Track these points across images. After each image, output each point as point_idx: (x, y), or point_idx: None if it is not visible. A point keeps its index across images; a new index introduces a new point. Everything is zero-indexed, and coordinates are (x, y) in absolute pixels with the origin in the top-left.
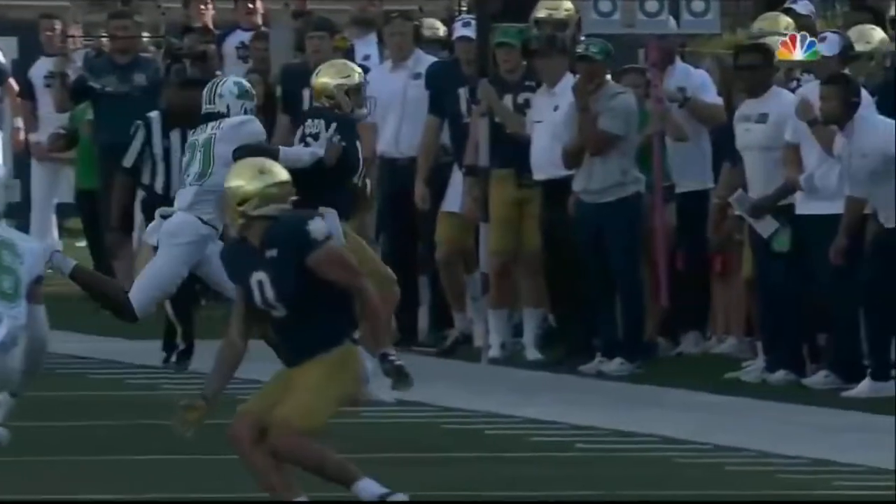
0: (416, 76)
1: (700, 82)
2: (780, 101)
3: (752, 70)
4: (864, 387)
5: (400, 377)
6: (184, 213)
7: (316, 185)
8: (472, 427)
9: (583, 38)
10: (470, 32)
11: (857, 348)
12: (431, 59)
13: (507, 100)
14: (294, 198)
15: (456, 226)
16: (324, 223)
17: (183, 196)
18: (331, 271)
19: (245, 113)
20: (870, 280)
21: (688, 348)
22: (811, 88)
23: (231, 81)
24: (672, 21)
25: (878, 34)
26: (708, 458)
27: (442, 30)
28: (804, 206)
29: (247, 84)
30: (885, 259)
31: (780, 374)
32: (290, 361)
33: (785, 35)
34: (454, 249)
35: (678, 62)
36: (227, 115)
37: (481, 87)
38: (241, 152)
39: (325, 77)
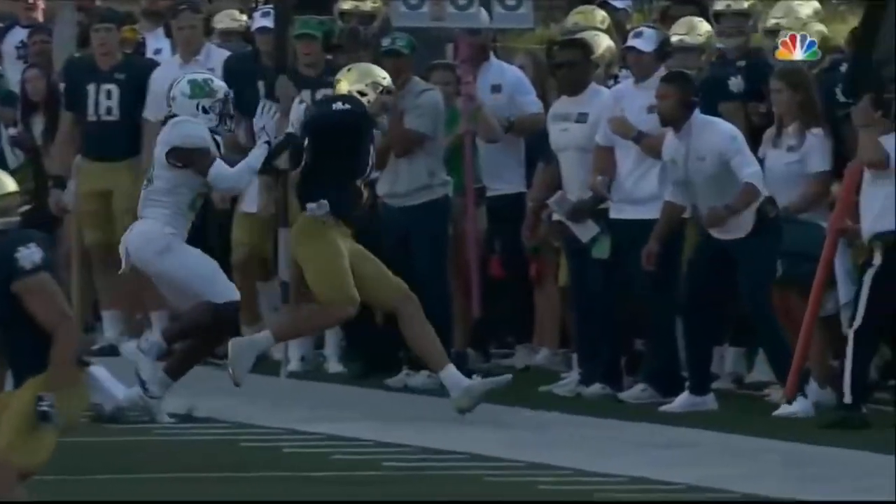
0: (209, 71)
1: (515, 81)
2: (599, 99)
3: (569, 67)
4: (682, 401)
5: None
6: (143, 223)
7: (317, 182)
8: (271, 444)
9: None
10: (269, 23)
11: (674, 360)
12: (224, 52)
13: (306, 96)
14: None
15: (253, 228)
16: (38, 251)
17: (140, 204)
18: (31, 303)
19: (203, 112)
20: (690, 290)
21: (520, 361)
22: (625, 90)
23: (185, 81)
24: (484, 14)
25: (706, 27)
26: (520, 476)
27: (242, 21)
28: (619, 211)
29: (202, 78)
30: (707, 268)
31: (595, 388)
32: (15, 382)
33: (602, 29)
34: (250, 253)
35: (492, 59)
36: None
37: (279, 83)
38: (170, 155)
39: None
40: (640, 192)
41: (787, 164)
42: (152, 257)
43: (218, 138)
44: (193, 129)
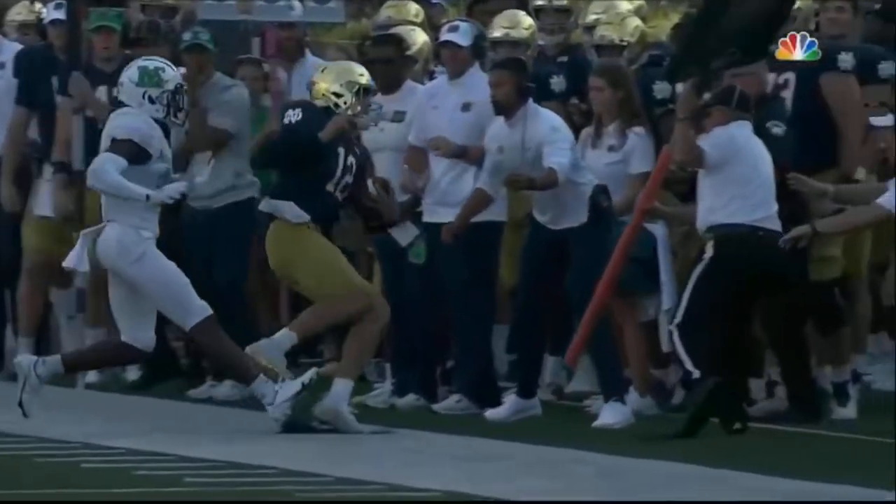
0: (1, 66)
1: None
2: (416, 97)
3: (384, 64)
4: (509, 406)
5: None
6: (113, 228)
7: (290, 187)
8: (68, 459)
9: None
10: (62, 15)
11: (488, 369)
12: (17, 46)
13: (102, 92)
14: None
15: (46, 232)
16: None
17: (103, 208)
18: None
19: (150, 101)
20: (525, 282)
21: (330, 371)
22: (439, 87)
23: (135, 66)
24: (298, 7)
25: (529, 20)
26: (331, 491)
27: (39, 13)
28: (433, 213)
29: (153, 66)
30: (542, 259)
31: (409, 399)
32: None
33: (416, 23)
34: (43, 259)
35: (308, 55)
36: (126, 106)
37: (73, 79)
38: (114, 146)
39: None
40: (456, 195)
41: (609, 164)
42: (127, 266)
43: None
44: (128, 120)
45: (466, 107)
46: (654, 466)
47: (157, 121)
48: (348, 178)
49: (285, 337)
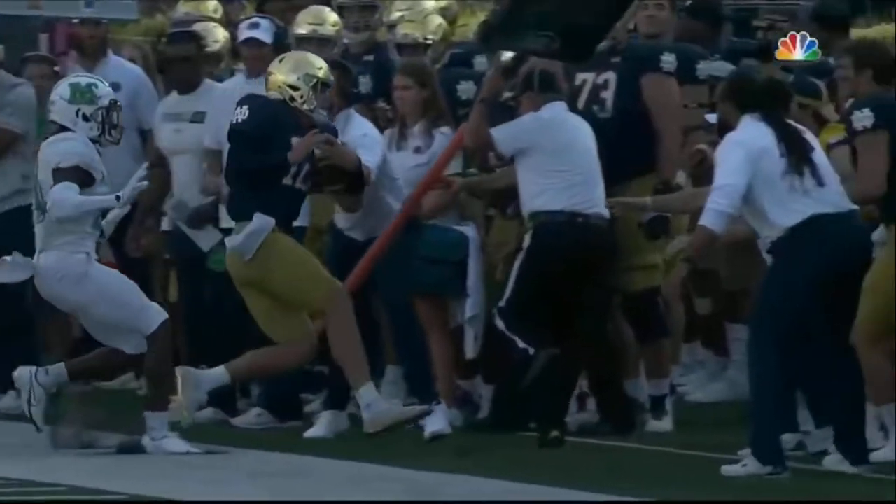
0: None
1: (136, 79)
2: (215, 97)
3: (182, 62)
4: (325, 422)
5: None
6: (47, 256)
7: (246, 185)
8: None
9: None
10: None
11: (290, 382)
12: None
13: None
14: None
15: None
16: None
17: (37, 236)
18: None
19: (83, 119)
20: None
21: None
22: (238, 86)
23: (66, 83)
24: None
25: (335, 17)
26: None
27: None
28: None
29: (85, 83)
30: (343, 276)
31: (207, 412)
32: None
33: (216, 19)
34: None
35: (110, 55)
36: (66, 127)
37: None
38: (55, 176)
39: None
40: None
41: (415, 166)
42: (69, 287)
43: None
44: (71, 145)
45: None
46: (464, 482)
47: (91, 140)
48: (307, 166)
49: (219, 375)
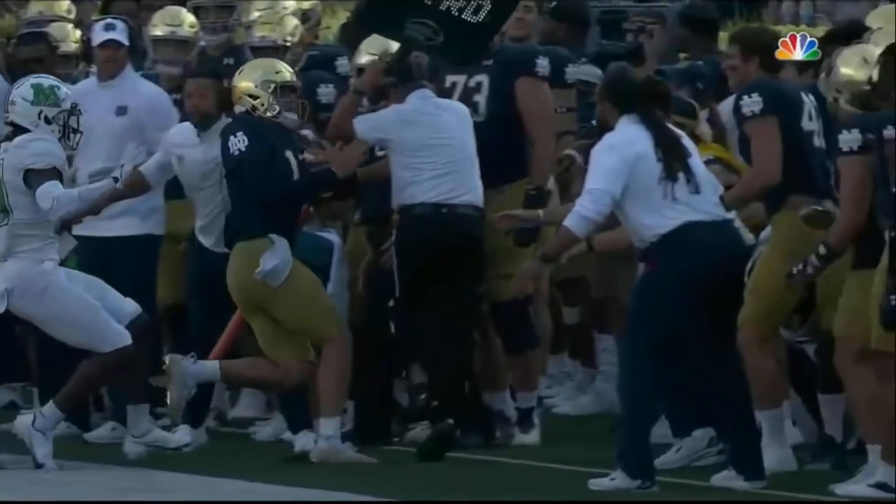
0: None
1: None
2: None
3: (35, 63)
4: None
5: None
6: (12, 263)
7: (256, 208)
8: None
9: None
10: None
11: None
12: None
13: None
14: None
15: None
16: None
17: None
18: None
19: (45, 122)
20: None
21: None
22: (88, 89)
23: (28, 83)
24: None
25: (192, 18)
26: None
27: None
28: (90, 227)
29: (48, 84)
30: (205, 290)
31: (60, 427)
32: None
33: (69, 19)
34: None
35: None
36: (23, 128)
37: None
38: (28, 179)
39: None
40: (111, 207)
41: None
42: (31, 301)
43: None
44: (47, 146)
45: (122, 110)
46: (332, 498)
47: None
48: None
49: (209, 369)
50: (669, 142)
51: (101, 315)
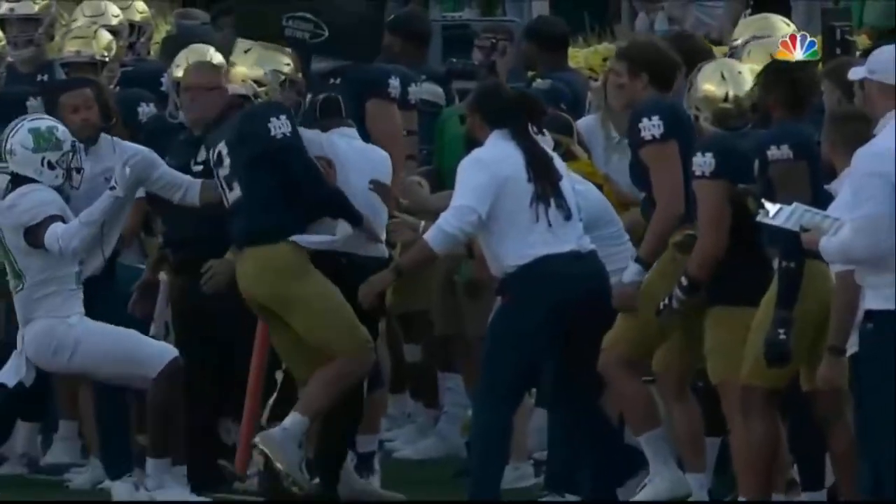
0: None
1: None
2: None
3: None
4: None
5: None
6: (35, 325)
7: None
8: None
9: None
10: None
11: None
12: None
13: None
14: None
15: None
16: None
17: (18, 307)
18: None
19: (49, 168)
20: None
21: None
22: None
23: (24, 130)
24: None
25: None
26: None
27: None
28: None
29: (45, 126)
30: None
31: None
32: None
33: None
34: None
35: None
36: (24, 178)
37: None
38: (29, 237)
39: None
40: None
41: None
42: (65, 357)
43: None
44: (38, 197)
45: None
46: None
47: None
48: None
49: (296, 423)
50: (541, 162)
51: (136, 339)
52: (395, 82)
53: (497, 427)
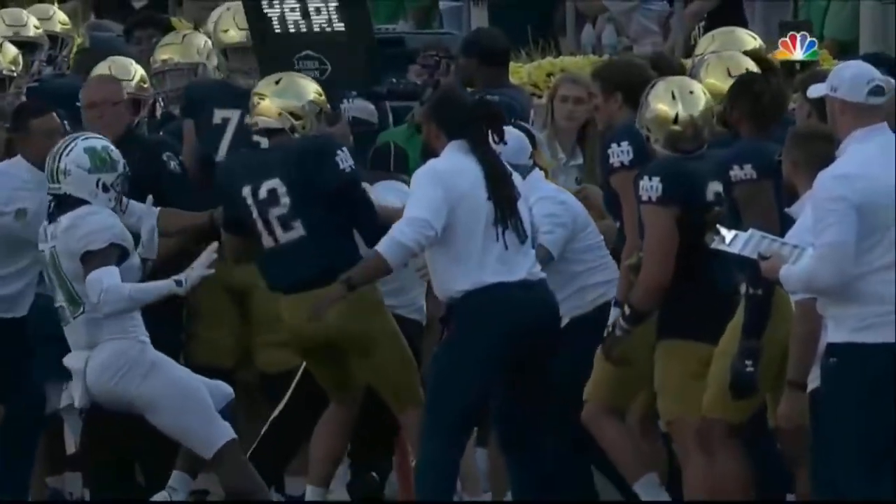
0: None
1: None
2: None
3: None
4: None
5: None
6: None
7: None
8: None
9: None
10: None
11: None
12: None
13: None
14: None
15: None
16: None
17: (77, 334)
18: None
19: (103, 190)
20: None
21: None
22: None
23: (79, 149)
24: None
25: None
26: None
27: None
28: None
29: (101, 146)
30: None
31: None
32: None
33: None
34: None
35: None
36: (74, 200)
37: None
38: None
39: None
40: None
41: None
42: (134, 382)
43: None
44: (101, 220)
45: None
46: None
47: None
48: None
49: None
50: (501, 179)
51: (208, 402)
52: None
53: (442, 472)
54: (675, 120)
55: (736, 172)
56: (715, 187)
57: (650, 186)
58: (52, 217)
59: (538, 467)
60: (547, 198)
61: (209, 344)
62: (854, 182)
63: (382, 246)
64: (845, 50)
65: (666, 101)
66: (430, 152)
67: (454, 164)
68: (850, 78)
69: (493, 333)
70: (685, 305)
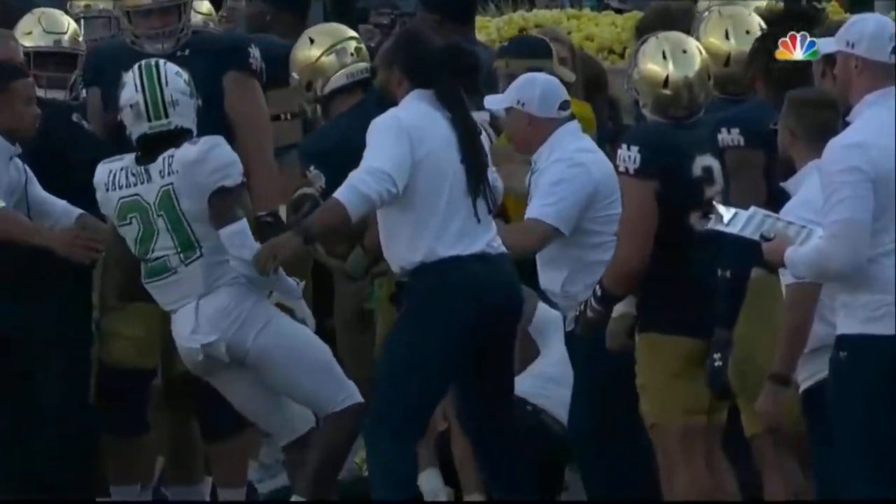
0: None
1: None
2: None
3: None
4: None
5: None
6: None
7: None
8: None
9: None
10: None
11: None
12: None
13: None
14: None
15: None
16: None
17: (193, 281)
18: None
19: (197, 115)
20: None
21: None
22: None
23: (172, 72)
24: None
25: None
26: None
27: None
28: None
29: (176, 67)
30: None
31: None
32: None
33: None
34: None
35: None
36: (187, 134)
37: None
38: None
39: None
40: None
41: None
42: (251, 334)
43: None
44: (226, 152)
45: None
46: None
47: None
48: None
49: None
50: (472, 137)
51: (332, 358)
52: (255, 52)
53: (396, 470)
54: (665, 83)
55: (723, 136)
56: (705, 161)
57: (628, 157)
58: (147, 159)
59: (509, 458)
60: (561, 160)
61: None
62: (869, 151)
63: (342, 193)
64: (859, 1)
65: (656, 61)
66: (387, 100)
67: (421, 117)
68: (871, 33)
69: (450, 314)
70: (664, 295)
